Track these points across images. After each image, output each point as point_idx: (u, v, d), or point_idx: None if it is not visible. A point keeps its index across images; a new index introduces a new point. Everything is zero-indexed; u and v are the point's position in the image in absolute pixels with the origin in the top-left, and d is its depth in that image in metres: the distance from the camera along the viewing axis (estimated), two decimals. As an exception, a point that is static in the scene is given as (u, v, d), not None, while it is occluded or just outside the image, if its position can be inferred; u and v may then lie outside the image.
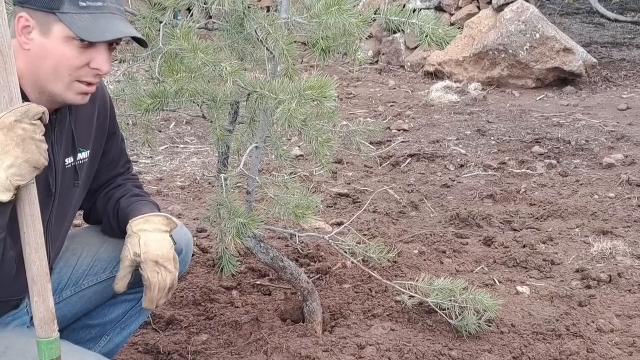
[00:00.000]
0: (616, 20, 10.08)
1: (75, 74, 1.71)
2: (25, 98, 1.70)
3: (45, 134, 1.71)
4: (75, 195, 1.97)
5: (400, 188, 4.36)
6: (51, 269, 1.97)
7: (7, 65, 1.53)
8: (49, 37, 1.68)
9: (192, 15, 2.21)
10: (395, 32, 8.11)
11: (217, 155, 2.63)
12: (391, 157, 4.98)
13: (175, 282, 1.97)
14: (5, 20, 1.52)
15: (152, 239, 1.94)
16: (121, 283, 1.98)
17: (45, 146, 1.59)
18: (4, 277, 1.73)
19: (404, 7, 2.23)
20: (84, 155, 1.95)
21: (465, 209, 3.93)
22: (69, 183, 1.92)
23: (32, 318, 1.93)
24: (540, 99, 6.89)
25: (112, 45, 1.76)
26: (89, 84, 1.75)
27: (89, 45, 1.69)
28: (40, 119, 1.58)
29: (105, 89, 2.06)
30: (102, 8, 1.70)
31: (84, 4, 1.67)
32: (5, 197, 1.55)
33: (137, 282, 2.15)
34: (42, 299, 1.63)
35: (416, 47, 8.12)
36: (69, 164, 1.90)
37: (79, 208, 2.10)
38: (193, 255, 3.15)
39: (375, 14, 2.21)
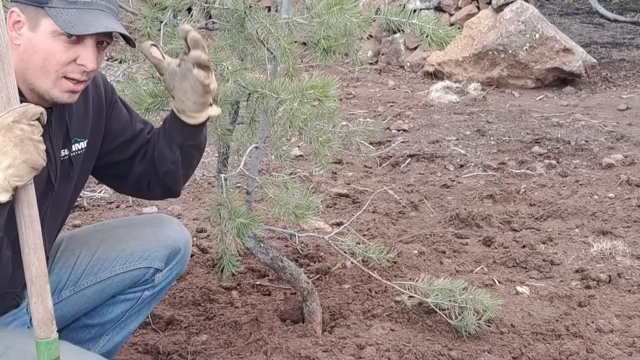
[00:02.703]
0: (616, 20, 10.08)
1: (61, 70, 1.70)
2: (20, 95, 1.70)
3: (44, 127, 1.71)
4: (72, 186, 1.95)
5: (399, 188, 4.36)
6: (47, 258, 1.97)
7: (5, 65, 1.52)
8: (37, 32, 1.68)
9: (191, 15, 2.21)
10: (394, 32, 8.12)
11: (216, 155, 2.64)
12: (391, 157, 4.98)
13: (214, 86, 1.89)
14: (3, 22, 1.52)
15: None
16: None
17: (43, 146, 1.58)
18: (1, 276, 1.72)
19: (404, 7, 2.23)
20: (80, 145, 1.93)
21: (465, 209, 3.93)
22: (65, 174, 1.91)
23: (31, 318, 1.93)
24: (540, 99, 6.89)
25: (102, 44, 1.75)
26: (76, 82, 1.74)
27: (76, 41, 1.69)
28: (38, 119, 1.58)
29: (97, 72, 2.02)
30: (90, 4, 1.70)
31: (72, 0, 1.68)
32: (3, 197, 1.54)
33: (136, 282, 2.16)
34: (40, 299, 1.62)
35: (416, 47, 8.12)
36: (64, 155, 1.89)
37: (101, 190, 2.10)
38: (192, 255, 3.16)
39: (375, 14, 2.22)
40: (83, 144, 1.94)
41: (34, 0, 1.67)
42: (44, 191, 1.80)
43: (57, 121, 1.84)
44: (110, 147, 2.05)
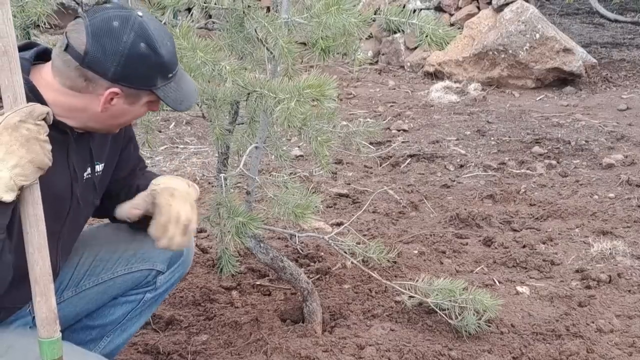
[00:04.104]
0: (616, 21, 10.07)
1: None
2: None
3: (68, 146, 1.78)
4: (89, 207, 1.99)
5: (399, 188, 4.36)
6: (56, 275, 1.98)
7: (12, 65, 1.53)
8: (134, 105, 1.78)
9: (191, 15, 2.21)
10: (394, 32, 8.10)
11: (216, 155, 2.64)
12: (391, 157, 4.98)
13: (192, 220, 1.93)
14: (10, 21, 1.52)
15: (172, 180, 2.00)
16: (133, 212, 2.00)
17: (49, 147, 1.59)
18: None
19: (404, 7, 2.24)
20: (99, 167, 1.97)
21: (465, 209, 3.93)
22: (87, 195, 1.94)
23: (34, 318, 1.93)
24: (540, 99, 6.89)
25: None
26: None
27: None
28: (44, 119, 1.59)
29: None
30: (177, 72, 1.81)
31: (170, 75, 1.78)
32: (9, 197, 1.55)
33: (138, 284, 2.16)
34: (44, 299, 1.62)
35: (416, 47, 8.11)
36: (87, 176, 1.92)
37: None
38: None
39: (375, 14, 2.22)
40: (100, 167, 1.98)
41: (143, 85, 1.74)
42: (61, 208, 1.83)
43: (80, 141, 1.87)
44: (112, 178, 2.10)
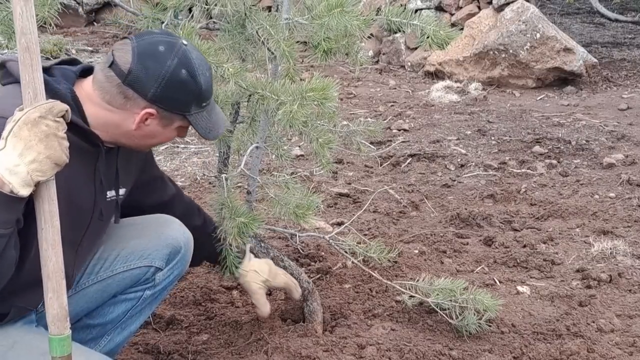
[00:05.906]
0: (616, 20, 10.07)
1: None
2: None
3: (97, 159, 1.84)
4: (109, 223, 2.05)
5: (400, 188, 4.36)
6: (71, 284, 2.00)
7: (34, 61, 1.55)
8: (167, 128, 1.85)
9: (192, 16, 2.22)
10: (395, 32, 8.10)
11: (217, 155, 2.64)
12: (391, 156, 4.98)
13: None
14: (33, 18, 1.53)
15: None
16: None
17: (66, 144, 1.61)
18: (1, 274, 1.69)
19: (405, 7, 2.23)
20: (122, 191, 2.03)
21: (466, 209, 3.93)
22: (109, 212, 2.01)
23: (37, 318, 1.94)
24: (541, 98, 6.89)
25: None
26: None
27: None
28: (63, 116, 1.61)
29: None
30: (211, 102, 1.89)
31: (204, 104, 1.86)
32: (25, 191, 1.56)
33: (137, 281, 2.17)
34: (56, 295, 1.63)
35: (416, 47, 8.12)
36: (111, 197, 1.98)
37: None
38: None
39: (376, 15, 2.22)
40: (123, 191, 2.04)
41: (178, 109, 1.82)
42: (82, 219, 1.88)
43: (108, 161, 1.92)
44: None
